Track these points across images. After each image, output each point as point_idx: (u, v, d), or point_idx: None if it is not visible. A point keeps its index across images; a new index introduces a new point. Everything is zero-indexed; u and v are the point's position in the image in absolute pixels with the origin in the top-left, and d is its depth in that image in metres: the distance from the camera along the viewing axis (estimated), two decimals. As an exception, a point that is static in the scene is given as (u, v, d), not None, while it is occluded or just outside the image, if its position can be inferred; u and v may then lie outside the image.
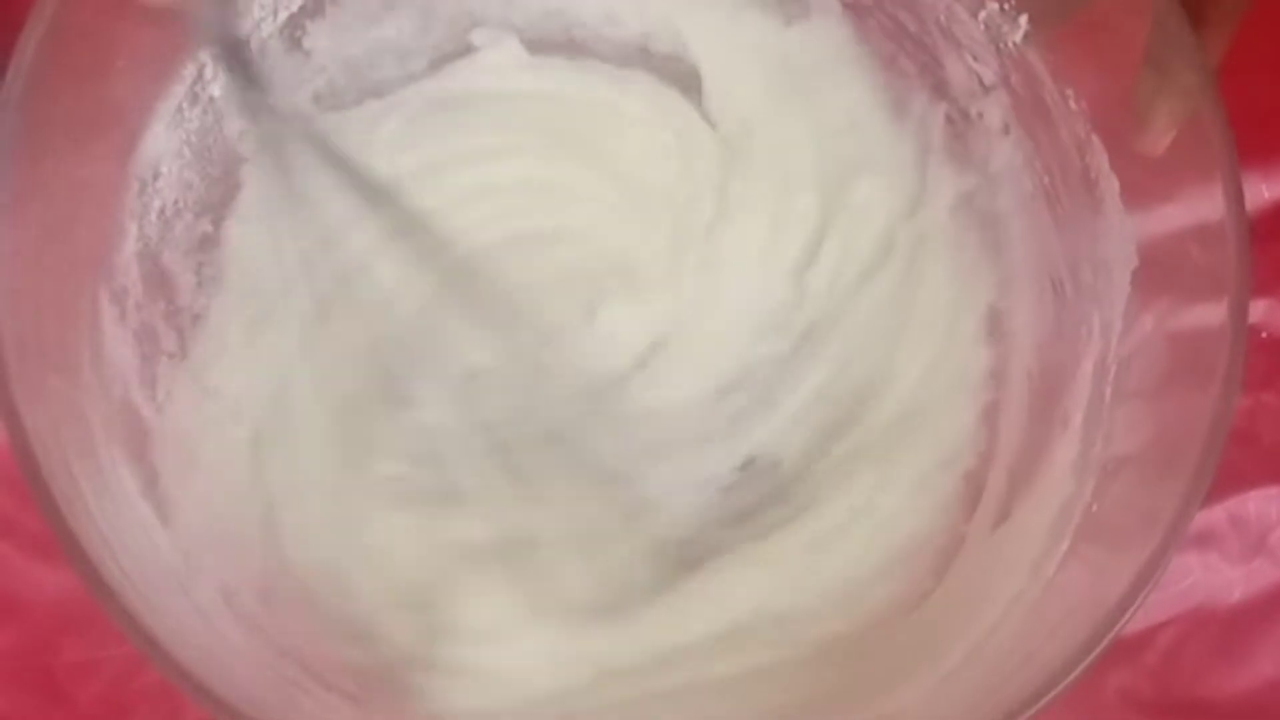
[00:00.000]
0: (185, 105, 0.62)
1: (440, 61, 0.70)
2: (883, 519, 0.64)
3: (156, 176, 0.61)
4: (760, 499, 0.65)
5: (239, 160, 0.65)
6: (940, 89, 0.67)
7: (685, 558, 0.63)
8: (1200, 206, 0.54)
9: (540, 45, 0.70)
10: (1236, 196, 0.53)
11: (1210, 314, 0.53)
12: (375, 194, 0.64)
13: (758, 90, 0.69)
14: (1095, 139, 0.60)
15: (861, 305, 0.67)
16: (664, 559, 0.63)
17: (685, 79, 0.70)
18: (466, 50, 0.70)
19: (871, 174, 0.68)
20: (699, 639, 0.61)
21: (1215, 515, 0.67)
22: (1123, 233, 0.58)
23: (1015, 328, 0.65)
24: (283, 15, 0.65)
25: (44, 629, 0.63)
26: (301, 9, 0.65)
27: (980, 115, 0.66)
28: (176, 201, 0.63)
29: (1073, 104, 0.60)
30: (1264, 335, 0.68)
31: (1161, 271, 0.57)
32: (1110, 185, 0.59)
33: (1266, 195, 0.70)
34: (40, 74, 0.53)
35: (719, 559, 0.63)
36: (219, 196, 0.65)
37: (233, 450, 0.62)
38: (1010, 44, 0.62)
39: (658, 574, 0.62)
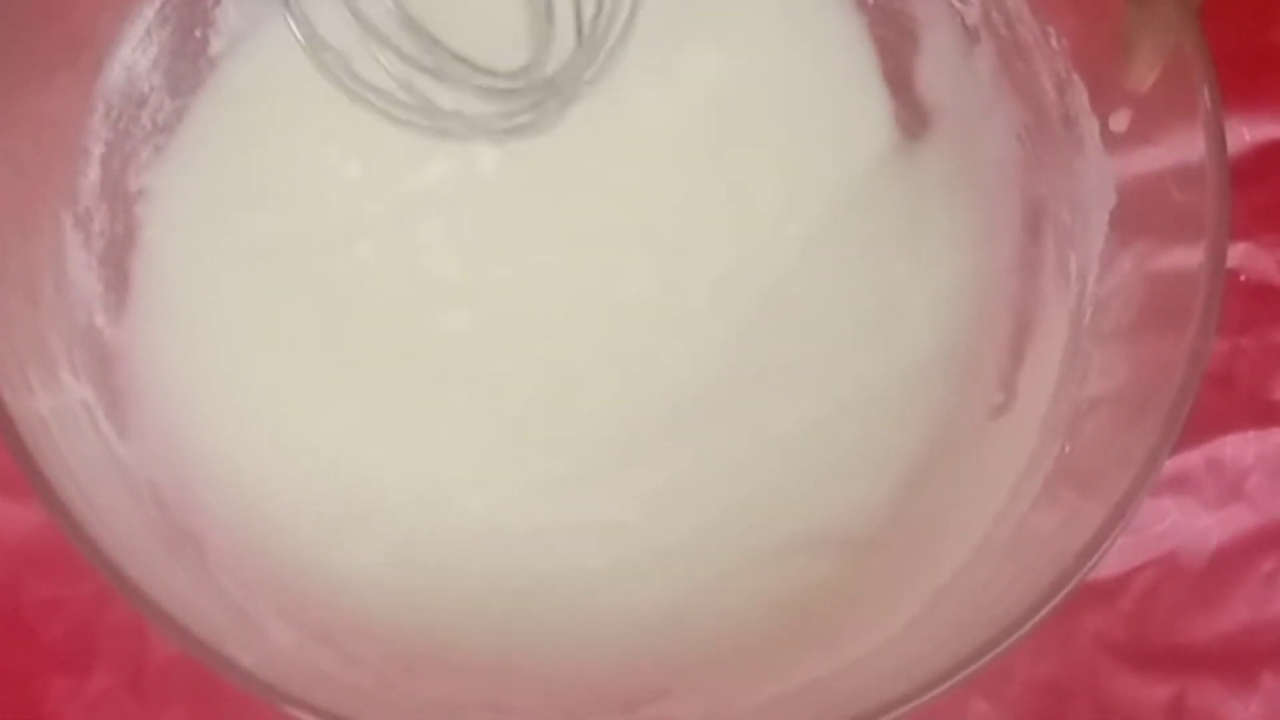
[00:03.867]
0: (154, 27, 0.61)
1: None
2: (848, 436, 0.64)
3: (123, 100, 0.61)
4: None
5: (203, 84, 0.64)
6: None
7: None
8: (1181, 148, 0.54)
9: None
10: (1218, 138, 0.53)
11: (1188, 256, 0.53)
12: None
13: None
14: (1076, 78, 0.59)
15: (846, 236, 0.66)
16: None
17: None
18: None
19: None
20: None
21: (1192, 460, 0.66)
22: (1102, 173, 0.58)
23: (993, 267, 0.65)
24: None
25: (10, 566, 0.63)
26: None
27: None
28: (143, 124, 0.62)
29: (1054, 42, 0.60)
30: (1243, 279, 0.68)
31: (1140, 212, 0.57)
32: (1090, 125, 0.59)
33: (1248, 138, 0.69)
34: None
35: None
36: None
37: (195, 372, 0.62)
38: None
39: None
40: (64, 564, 0.49)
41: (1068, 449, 0.57)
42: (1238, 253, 0.68)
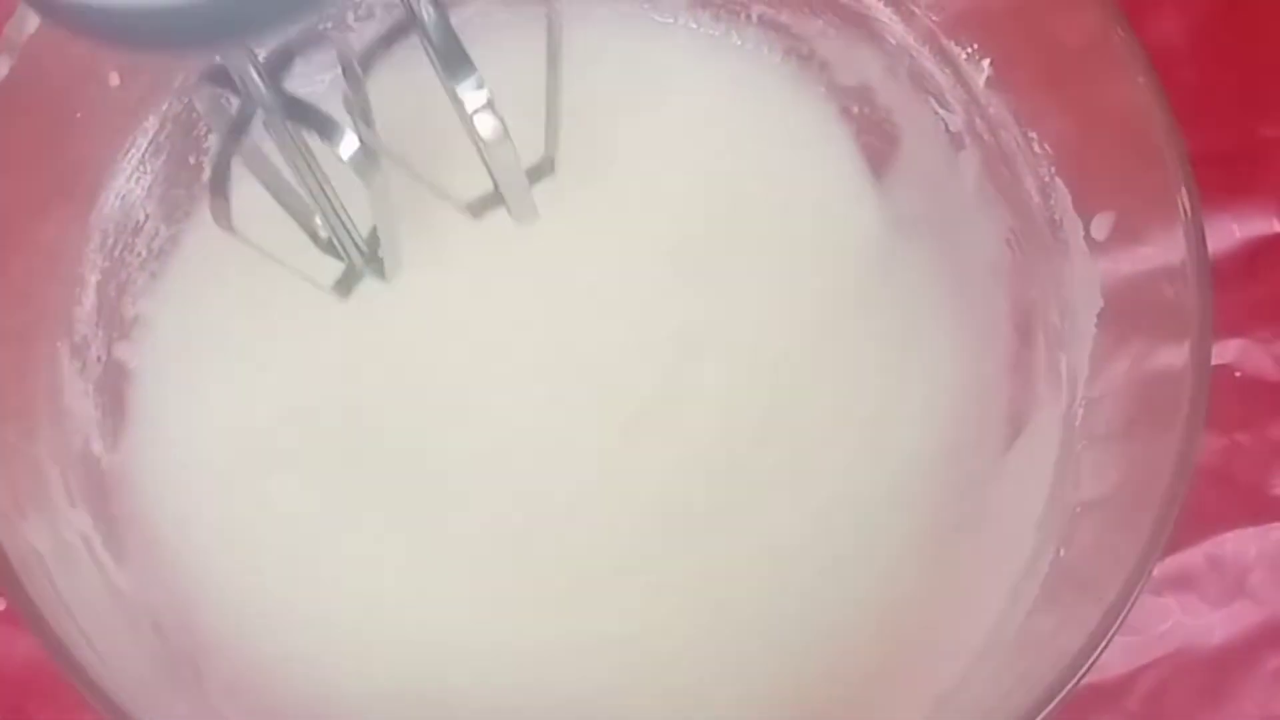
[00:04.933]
0: (148, 156, 0.62)
1: None
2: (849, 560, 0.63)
3: (118, 229, 0.61)
4: None
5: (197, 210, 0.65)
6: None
7: None
8: (1163, 250, 0.54)
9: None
10: (1198, 240, 0.53)
11: (1175, 355, 0.53)
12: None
13: None
14: (1059, 182, 0.60)
15: (838, 341, 0.67)
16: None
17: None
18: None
19: None
20: None
21: (1193, 557, 0.66)
22: (1088, 275, 0.58)
23: (985, 370, 0.65)
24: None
25: (13, 696, 0.63)
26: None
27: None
28: (138, 251, 0.63)
29: (1036, 148, 0.60)
30: (1238, 375, 0.68)
31: (1126, 314, 0.57)
32: (1075, 228, 0.59)
33: (1238, 235, 0.69)
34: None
35: None
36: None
37: (192, 498, 0.62)
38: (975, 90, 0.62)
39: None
40: (67, 693, 0.48)
41: (1063, 553, 0.56)
42: (1232, 349, 0.68)
